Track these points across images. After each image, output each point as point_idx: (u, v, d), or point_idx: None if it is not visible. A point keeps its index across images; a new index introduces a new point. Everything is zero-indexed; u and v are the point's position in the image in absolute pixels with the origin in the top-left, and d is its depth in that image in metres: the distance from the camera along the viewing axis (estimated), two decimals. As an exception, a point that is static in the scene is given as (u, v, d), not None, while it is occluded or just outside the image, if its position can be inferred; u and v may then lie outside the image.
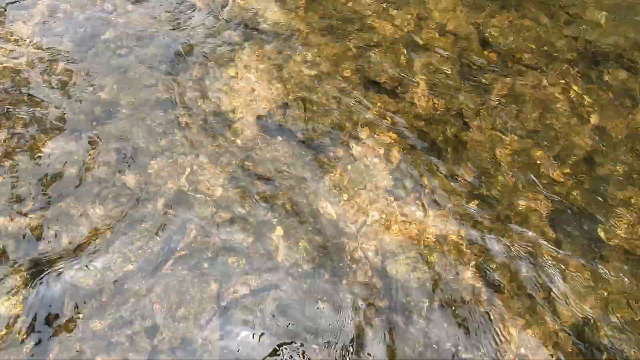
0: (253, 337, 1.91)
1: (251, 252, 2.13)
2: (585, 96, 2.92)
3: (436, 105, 2.79)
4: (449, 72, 2.97)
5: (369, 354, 1.90)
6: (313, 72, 2.87)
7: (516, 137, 2.69)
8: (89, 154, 2.35)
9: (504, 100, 2.86)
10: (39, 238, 2.07)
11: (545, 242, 2.29)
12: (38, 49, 2.80)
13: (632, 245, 2.31)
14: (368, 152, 2.55)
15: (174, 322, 1.91)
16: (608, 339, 2.02)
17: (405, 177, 2.47)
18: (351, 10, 3.26)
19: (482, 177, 2.51)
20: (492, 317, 2.04)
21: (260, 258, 2.12)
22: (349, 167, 2.48)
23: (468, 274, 2.16)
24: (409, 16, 3.27)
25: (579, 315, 2.07)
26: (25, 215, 2.12)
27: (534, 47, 3.17)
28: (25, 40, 2.83)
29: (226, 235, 2.17)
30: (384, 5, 3.31)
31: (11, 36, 2.84)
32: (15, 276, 1.96)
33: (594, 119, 2.81)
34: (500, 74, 2.99)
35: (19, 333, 1.82)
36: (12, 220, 2.10)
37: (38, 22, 2.94)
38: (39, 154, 2.33)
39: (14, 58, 2.73)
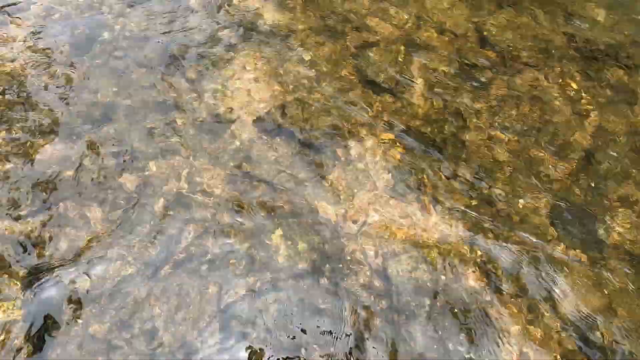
0: (253, 340, 1.90)
1: (251, 254, 2.12)
2: (583, 94, 2.92)
3: (435, 105, 2.78)
4: (448, 71, 2.96)
5: (370, 356, 1.89)
6: (311, 73, 2.86)
7: (515, 136, 2.69)
8: (87, 157, 2.34)
9: (502, 99, 2.86)
10: (36, 242, 2.05)
11: (546, 241, 2.29)
12: (34, 52, 2.79)
13: (633, 243, 2.30)
14: (367, 153, 2.54)
15: (173, 326, 1.90)
16: (611, 338, 2.01)
17: (405, 177, 2.46)
18: (348, 10, 3.25)
19: (482, 176, 2.50)
20: (493, 316, 2.04)
21: (260, 260, 2.11)
22: (348, 167, 2.47)
23: (469, 274, 2.15)
24: (407, 15, 3.27)
25: (581, 314, 2.07)
26: (22, 219, 2.11)
27: (532, 45, 3.17)
28: (20, 43, 2.81)
29: (226, 238, 2.15)
30: (382, 4, 3.30)
31: (6, 39, 2.83)
32: (12, 281, 1.94)
33: (592, 117, 2.81)
34: (498, 73, 2.99)
35: (17, 339, 1.80)
36: (8, 224, 2.08)
37: (34, 24, 2.92)
38: (36, 158, 2.31)
39: (10, 61, 2.71)
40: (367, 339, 1.94)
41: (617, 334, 2.02)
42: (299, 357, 1.87)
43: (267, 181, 2.37)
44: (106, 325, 1.87)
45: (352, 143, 2.57)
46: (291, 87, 2.78)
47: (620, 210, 2.42)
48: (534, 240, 2.29)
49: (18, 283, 1.93)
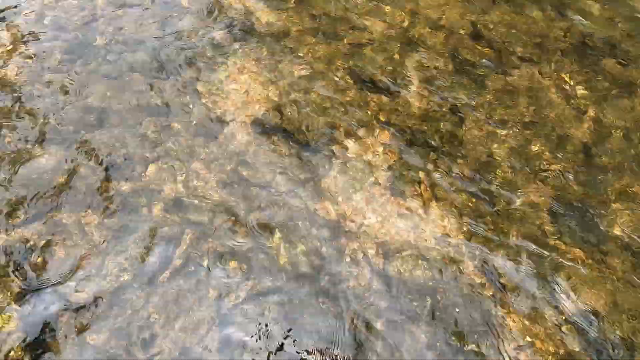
0: (254, 344, 1.88)
1: (250, 257, 2.10)
2: (579, 87, 2.92)
3: (431, 102, 2.77)
4: (443, 68, 2.95)
5: (372, 356, 1.88)
6: (306, 73, 2.84)
7: (512, 131, 2.68)
8: (81, 164, 2.32)
9: (498, 94, 2.85)
10: (31, 250, 2.02)
11: (545, 235, 2.28)
12: (26, 57, 2.76)
13: (633, 235, 2.29)
14: (364, 151, 2.53)
15: (172, 332, 1.87)
16: (613, 333, 2.00)
17: (403, 175, 2.45)
18: (342, 10, 3.24)
19: (480, 172, 2.49)
20: (494, 313, 2.02)
21: (260, 263, 2.09)
22: (346, 167, 2.46)
23: (469, 271, 2.14)
24: (402, 13, 3.26)
25: (582, 308, 2.06)
26: (17, 228, 2.08)
27: (527, 40, 3.16)
28: (12, 49, 2.78)
29: (224, 241, 2.13)
30: (376, 3, 3.29)
31: (-2, 46, 2.80)
32: (7, 291, 1.91)
33: (589, 110, 2.81)
34: (494, 68, 2.98)
35: (12, 350, 1.78)
36: (3, 233, 2.06)
37: (25, 30, 2.90)
38: (30, 165, 2.29)
39: (2, 67, 2.68)
40: (369, 338, 1.92)
41: (619, 328, 2.01)
42: (300, 359, 1.85)
43: (264, 183, 2.35)
44: (104, 334, 1.85)
45: (348, 143, 2.55)
46: (286, 88, 2.76)
47: (619, 203, 2.42)
48: (534, 236, 2.28)
49: (13, 293, 1.90)
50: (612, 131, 2.72)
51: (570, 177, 2.51)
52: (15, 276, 1.95)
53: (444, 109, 2.74)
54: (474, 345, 1.94)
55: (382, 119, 2.67)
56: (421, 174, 2.46)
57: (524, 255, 2.21)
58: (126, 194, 2.23)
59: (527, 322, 2.01)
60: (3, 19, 2.94)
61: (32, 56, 2.77)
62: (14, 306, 1.87)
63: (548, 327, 2.00)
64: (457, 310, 2.02)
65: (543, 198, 2.41)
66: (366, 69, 2.90)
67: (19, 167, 2.28)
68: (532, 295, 2.08)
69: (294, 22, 3.12)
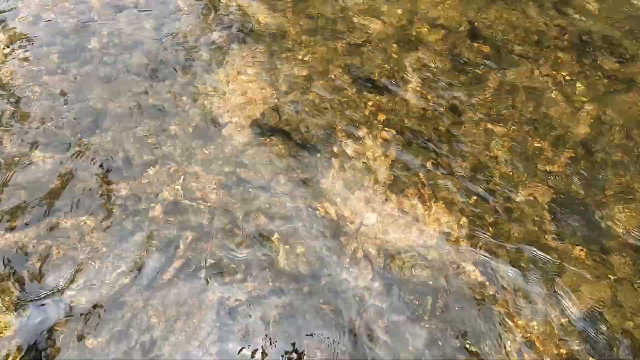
0: (255, 346, 1.86)
1: (249, 259, 2.09)
2: (578, 84, 2.92)
3: (429, 101, 2.77)
4: (442, 67, 2.94)
5: (374, 356, 1.86)
6: (304, 73, 2.83)
7: (511, 129, 2.67)
8: (79, 166, 2.30)
9: (497, 93, 2.84)
10: (29, 254, 2.01)
11: (545, 234, 2.27)
12: (23, 60, 2.75)
13: (633, 232, 2.29)
14: (363, 151, 2.52)
15: (172, 335, 1.86)
16: (613, 329, 1.99)
17: (402, 174, 2.44)
18: (340, 9, 3.23)
19: (480, 171, 2.48)
20: (496, 311, 2.01)
21: (260, 264, 2.07)
22: (345, 166, 2.44)
23: (470, 269, 2.13)
24: (399, 12, 3.25)
25: (583, 306, 2.05)
26: (15, 231, 2.07)
27: (525, 37, 3.16)
28: (8, 51, 2.77)
29: (224, 242, 2.12)
30: (373, 2, 3.28)
31: (-7, 49, 2.79)
32: (5, 296, 1.90)
33: (587, 107, 2.80)
34: (492, 66, 2.97)
35: (10, 356, 1.76)
36: (1, 237, 2.04)
37: (22, 32, 2.88)
38: (27, 168, 2.27)
39: (-2, 71, 2.67)
40: (370, 339, 1.91)
41: (620, 325, 2.00)
42: (302, 361, 1.85)
43: (263, 184, 2.34)
44: (103, 339, 1.83)
45: (347, 143, 2.54)
46: (284, 89, 2.75)
47: (619, 199, 2.41)
48: (534, 234, 2.27)
49: (11, 298, 1.89)
50: (612, 128, 2.71)
51: (570, 174, 2.50)
52: (13, 281, 1.94)
53: (443, 108, 2.73)
54: (475, 345, 1.93)
55: (380, 118, 2.66)
56: (420, 174, 2.45)
57: (524, 253, 2.20)
58: (125, 197, 2.22)
59: (528, 321, 2.00)
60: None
61: (29, 59, 2.75)
62: (12, 311, 1.85)
63: (549, 326, 1.99)
64: (458, 309, 2.01)
65: (543, 196, 2.40)
66: (364, 68, 2.89)
67: (15, 171, 2.26)
68: (533, 294, 2.07)
69: (292, 22, 3.11)
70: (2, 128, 2.42)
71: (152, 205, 2.21)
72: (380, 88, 2.80)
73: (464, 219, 2.29)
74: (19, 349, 1.78)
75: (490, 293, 2.07)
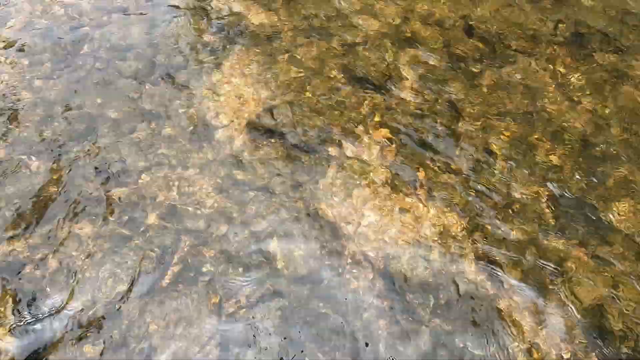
0: (255, 351, 1.84)
1: (248, 262, 2.06)
2: (574, 78, 2.91)
3: (426, 98, 2.75)
4: (438, 64, 2.93)
5: (376, 357, 1.85)
6: (299, 73, 2.82)
7: (509, 125, 2.66)
8: (74, 172, 2.28)
9: (494, 88, 2.83)
10: (25, 262, 1.98)
11: (547, 229, 2.25)
12: (15, 66, 2.72)
13: (634, 225, 2.28)
14: (361, 150, 2.50)
15: (172, 342, 1.84)
16: (615, 323, 1.98)
17: (401, 173, 2.42)
18: (333, 8, 3.22)
19: (479, 167, 2.47)
20: (499, 309, 2.00)
21: (259, 267, 2.05)
22: (343, 166, 2.43)
23: (472, 267, 2.11)
24: (393, 10, 3.24)
25: (588, 301, 2.03)
26: (11, 240, 2.04)
27: (520, 33, 3.15)
28: (1, 58, 2.74)
29: (222, 246, 2.10)
30: (367, 0, 3.27)
31: (-15, 56, 2.76)
32: (2, 305, 1.87)
33: (584, 100, 2.79)
34: (488, 62, 2.96)
35: (7, 365, 1.74)
36: (-5, 247, 2.02)
37: (13, 39, 2.86)
38: (22, 175, 2.25)
39: (-11, 79, 2.65)
40: (372, 340, 1.89)
41: (622, 320, 1.99)
42: (303, 365, 1.82)
43: (261, 186, 2.32)
44: (100, 346, 1.81)
45: (345, 142, 2.52)
46: (280, 89, 2.73)
47: (618, 194, 2.40)
48: (535, 229, 2.26)
49: (8, 307, 1.86)
50: (609, 121, 2.70)
51: (570, 169, 2.49)
52: (9, 289, 1.91)
53: (440, 105, 2.72)
54: (482, 341, 1.91)
55: (377, 117, 2.64)
56: (418, 173, 2.43)
57: (527, 249, 2.18)
58: (120, 202, 2.20)
59: (529, 318, 1.98)
60: (-10, 29, 2.90)
61: (21, 65, 2.73)
62: (9, 319, 1.83)
63: (551, 323, 1.98)
64: (459, 308, 1.99)
65: (543, 192, 2.39)
66: (360, 67, 2.88)
67: (9, 178, 2.24)
68: (534, 291, 2.06)
69: (286, 23, 3.10)
70: (-5, 136, 2.39)
71: (149, 210, 2.18)
72: (376, 87, 2.79)
73: (463, 217, 2.28)
74: (15, 356, 1.76)
75: (492, 291, 2.05)
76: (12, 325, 1.82)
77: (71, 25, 2.96)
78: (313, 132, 2.55)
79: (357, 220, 2.24)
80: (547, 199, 2.36)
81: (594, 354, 1.90)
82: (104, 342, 1.82)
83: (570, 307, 2.02)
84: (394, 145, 2.53)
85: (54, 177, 2.26)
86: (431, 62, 2.93)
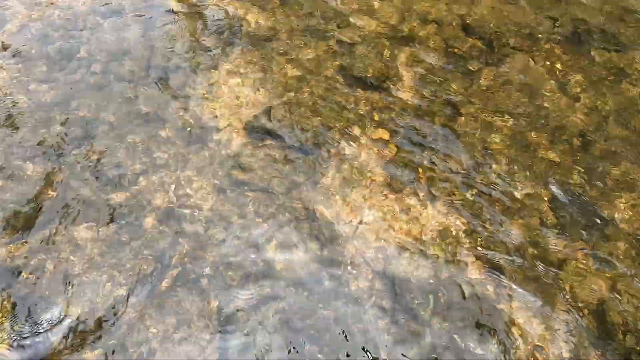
0: (256, 354, 1.83)
1: (248, 264, 2.05)
2: (573, 75, 2.90)
3: (425, 97, 2.74)
4: (435, 63, 2.92)
5: (375, 357, 1.83)
6: (297, 73, 2.81)
7: (508, 122, 2.65)
8: (71, 176, 2.26)
9: (493, 86, 2.82)
10: (21, 268, 1.97)
11: (548, 227, 2.24)
12: (11, 70, 2.71)
13: (634, 222, 2.27)
14: (359, 150, 2.49)
15: (172, 346, 1.82)
16: (617, 319, 1.97)
17: (400, 173, 2.41)
18: (331, 8, 3.21)
19: (478, 165, 2.46)
20: (500, 308, 1.99)
21: (258, 269, 2.04)
22: (342, 166, 2.41)
23: (472, 266, 2.10)
24: (390, 9, 3.23)
25: (589, 300, 2.02)
26: (8, 244, 2.02)
27: (517, 30, 3.14)
28: (-5, 64, 2.73)
29: (221, 249, 2.08)
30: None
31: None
32: (-2, 312, 1.86)
33: (583, 97, 2.79)
34: (486, 60, 2.96)
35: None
36: (-8, 252, 2.00)
37: (9, 42, 2.84)
38: (20, 180, 2.23)
39: (-15, 83, 2.63)
40: (373, 341, 1.87)
41: (623, 316, 1.98)
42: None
43: (260, 187, 2.31)
44: (99, 352, 1.79)
45: (343, 142, 2.51)
46: (278, 89, 2.72)
47: (619, 191, 2.39)
48: (536, 226, 2.25)
49: (5, 312, 1.84)
50: (608, 118, 2.70)
51: (569, 166, 2.48)
52: (6, 295, 1.89)
53: (438, 104, 2.71)
54: (483, 341, 1.90)
55: (375, 116, 2.63)
56: (418, 171, 2.42)
57: (528, 247, 2.17)
58: (118, 206, 2.18)
59: (530, 319, 1.97)
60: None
61: (17, 69, 2.71)
62: (5, 324, 1.81)
63: (552, 323, 1.97)
64: (460, 308, 1.98)
65: (543, 188, 2.38)
66: (357, 66, 2.87)
67: (6, 182, 2.22)
68: (535, 289, 2.05)
69: (282, 23, 3.09)
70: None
71: (147, 213, 2.17)
72: (374, 87, 2.78)
73: (463, 217, 2.27)
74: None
75: (493, 289, 2.04)
76: (6, 333, 1.80)
77: (66, 29, 2.94)
78: (311, 133, 2.54)
79: (356, 221, 2.22)
80: (547, 198, 2.35)
81: (595, 354, 1.89)
82: (103, 348, 1.80)
83: (572, 307, 2.01)
84: (392, 145, 2.52)
85: (51, 181, 2.24)
86: (429, 61, 2.92)
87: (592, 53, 3.02)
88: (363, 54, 2.94)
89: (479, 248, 2.17)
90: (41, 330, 1.82)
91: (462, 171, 2.43)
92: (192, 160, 2.38)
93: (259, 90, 2.71)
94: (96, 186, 2.25)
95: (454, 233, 2.21)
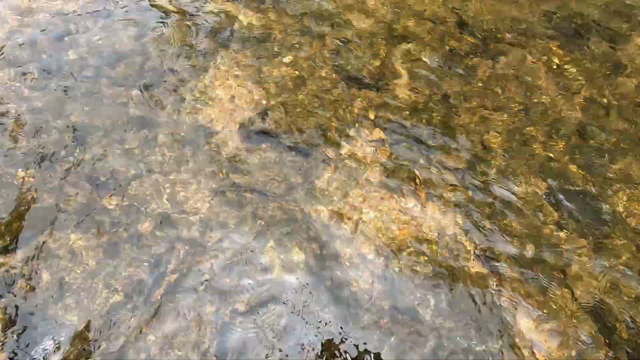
0: (255, 357, 1.80)
1: (246, 268, 2.03)
2: (569, 69, 2.89)
3: (421, 95, 2.72)
4: (431, 60, 2.90)
5: (379, 357, 1.81)
6: (292, 74, 2.78)
7: (505, 118, 2.63)
8: (65, 182, 2.23)
9: (488, 82, 2.81)
10: (16, 277, 1.94)
11: (547, 223, 2.23)
12: (1, 77, 2.67)
13: (634, 216, 2.25)
14: (356, 149, 2.47)
15: (171, 352, 1.79)
16: (621, 314, 1.95)
17: (397, 170, 2.39)
18: (324, 7, 3.18)
19: (476, 162, 2.44)
20: (501, 305, 1.97)
21: (256, 273, 2.01)
22: (339, 166, 2.39)
23: (472, 264, 2.08)
24: (385, 7, 3.21)
25: (590, 294, 2.01)
26: (3, 253, 1.99)
27: (512, 26, 3.12)
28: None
29: (217, 253, 2.06)
30: (357, -3, 3.24)
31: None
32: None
33: (580, 91, 2.77)
34: (482, 56, 2.94)
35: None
36: (-14, 262, 1.97)
37: (-1, 49, 2.81)
38: (12, 188, 2.20)
39: (-24, 90, 2.60)
40: (374, 342, 1.85)
41: (625, 312, 1.97)
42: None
43: (256, 190, 2.28)
44: (96, 359, 1.76)
45: (340, 142, 2.49)
46: (273, 90, 2.70)
47: (619, 184, 2.37)
48: (536, 223, 2.23)
49: (0, 320, 1.82)
50: (606, 112, 2.68)
51: (567, 161, 2.47)
52: (1, 304, 1.86)
53: (434, 101, 2.69)
54: (485, 339, 1.88)
55: (371, 115, 2.61)
56: (416, 169, 2.40)
57: (528, 244, 2.16)
58: (113, 212, 2.15)
59: (532, 315, 1.95)
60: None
61: (7, 76, 2.68)
62: (1, 334, 1.78)
63: (558, 314, 1.95)
64: (463, 305, 1.96)
65: (542, 184, 2.36)
66: (353, 65, 2.85)
67: (0, 191, 2.19)
68: (536, 286, 2.03)
69: (276, 23, 3.06)
70: (-17, 148, 2.35)
71: (142, 218, 2.14)
72: (370, 85, 2.76)
73: (462, 213, 2.25)
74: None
75: (493, 287, 2.02)
76: (4, 339, 1.77)
77: (57, 33, 2.91)
78: (307, 133, 2.52)
79: (353, 221, 2.20)
80: (545, 192, 2.34)
81: (596, 348, 1.87)
82: (99, 355, 1.77)
83: (574, 300, 2.00)
84: (389, 143, 2.50)
85: (45, 189, 2.21)
86: (424, 58, 2.90)
87: (589, 46, 3.01)
88: (358, 52, 2.92)
89: (478, 244, 2.15)
90: (37, 339, 1.79)
91: (460, 167, 2.41)
92: (188, 164, 2.36)
93: (254, 91, 2.69)
94: (90, 192, 2.22)
95: (453, 231, 2.19)
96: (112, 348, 1.79)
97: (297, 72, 2.79)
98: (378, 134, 2.55)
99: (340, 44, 2.96)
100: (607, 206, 2.30)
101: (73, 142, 2.40)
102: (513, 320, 1.94)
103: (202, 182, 2.29)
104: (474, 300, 1.99)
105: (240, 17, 3.09)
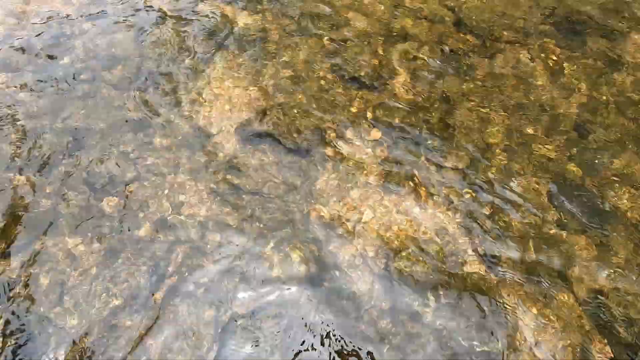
0: (254, 359, 1.80)
1: (245, 270, 2.02)
2: (567, 66, 2.88)
3: (419, 94, 2.71)
4: (429, 59, 2.89)
5: (379, 357, 1.81)
6: (289, 74, 2.77)
7: (504, 116, 2.63)
8: (63, 186, 2.22)
9: (486, 81, 2.80)
10: (16, 282, 1.93)
11: (547, 221, 2.22)
12: (-3, 82, 2.66)
13: (635, 213, 2.25)
14: (355, 149, 2.46)
15: (170, 355, 1.79)
16: (619, 312, 1.95)
17: (397, 170, 2.38)
18: (321, 7, 3.17)
19: (475, 160, 2.44)
20: (501, 304, 1.97)
21: (255, 275, 2.01)
22: (338, 166, 2.39)
23: (472, 264, 2.08)
24: (382, 6, 3.20)
25: (591, 291, 2.01)
26: (1, 258, 1.98)
27: (510, 23, 3.12)
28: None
29: (216, 256, 2.05)
30: (354, -3, 3.23)
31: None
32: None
33: (578, 88, 2.77)
34: (479, 54, 2.93)
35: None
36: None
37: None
38: (10, 192, 2.19)
39: (-28, 95, 2.58)
40: (375, 343, 1.85)
41: (626, 309, 1.96)
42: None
43: (255, 191, 2.28)
44: (96, 365, 1.76)
45: (339, 142, 2.48)
46: (270, 91, 2.69)
47: (617, 180, 2.37)
48: (536, 221, 2.22)
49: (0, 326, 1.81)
50: (604, 107, 2.68)
51: (567, 158, 2.46)
52: (0, 308, 1.85)
53: (433, 100, 2.69)
54: (486, 338, 1.88)
55: (370, 115, 2.61)
56: (414, 168, 2.39)
57: (528, 243, 2.15)
58: (111, 215, 2.14)
59: (532, 314, 1.95)
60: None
61: (4, 78, 2.67)
62: (0, 339, 1.77)
63: (559, 312, 1.95)
64: (464, 304, 1.96)
65: (542, 182, 2.36)
66: (350, 65, 2.84)
67: (-4, 197, 2.18)
68: (536, 286, 2.03)
69: (273, 24, 3.05)
70: (-20, 153, 2.33)
71: (140, 221, 2.13)
72: (368, 84, 2.75)
73: (462, 212, 2.24)
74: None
75: (493, 286, 2.02)
76: (1, 347, 1.76)
77: (52, 35, 2.90)
78: (306, 133, 2.51)
79: (352, 221, 2.20)
80: (545, 190, 2.33)
81: (597, 344, 1.87)
82: (99, 359, 1.77)
83: (573, 298, 1.99)
84: (388, 143, 2.49)
85: (43, 193, 2.20)
86: (422, 57, 2.89)
87: (587, 43, 3.00)
88: (356, 52, 2.91)
89: (478, 242, 2.14)
90: (36, 343, 1.78)
91: (459, 166, 2.41)
92: (186, 166, 2.35)
93: (252, 92, 2.68)
94: (88, 195, 2.21)
95: (452, 230, 2.18)
96: (111, 353, 1.78)
97: (294, 73, 2.78)
98: (376, 134, 2.54)
99: (338, 44, 2.95)
100: (607, 202, 2.29)
101: (70, 145, 2.39)
102: (514, 320, 1.94)
103: (200, 185, 2.28)
104: (474, 301, 1.98)
105: (237, 18, 3.08)
